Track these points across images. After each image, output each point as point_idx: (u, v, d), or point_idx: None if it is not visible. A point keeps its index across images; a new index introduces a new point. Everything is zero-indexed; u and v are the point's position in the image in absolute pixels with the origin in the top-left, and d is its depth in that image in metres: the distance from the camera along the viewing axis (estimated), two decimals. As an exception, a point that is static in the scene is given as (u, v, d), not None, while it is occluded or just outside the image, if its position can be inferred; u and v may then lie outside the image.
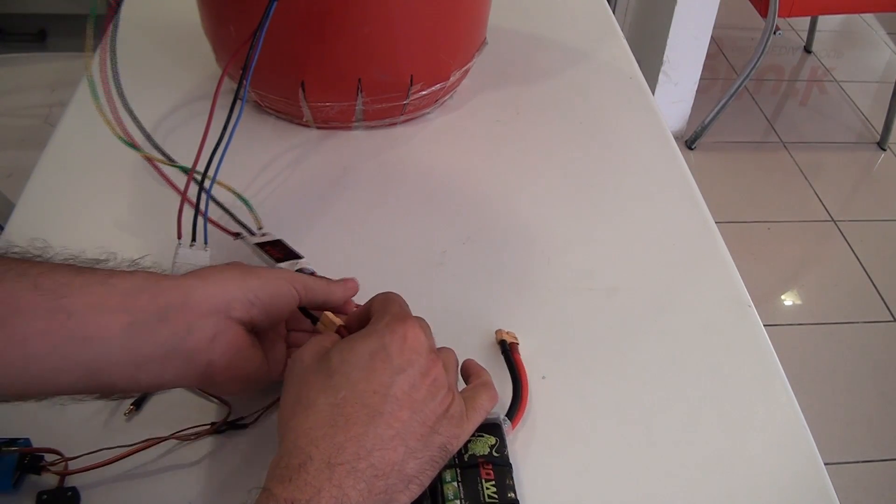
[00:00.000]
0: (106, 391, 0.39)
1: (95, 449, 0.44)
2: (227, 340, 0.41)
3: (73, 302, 0.36)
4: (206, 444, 0.47)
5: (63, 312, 0.36)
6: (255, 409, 0.48)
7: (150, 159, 0.63)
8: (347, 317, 0.48)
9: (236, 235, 0.59)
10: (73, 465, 0.44)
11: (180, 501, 0.44)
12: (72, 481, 0.44)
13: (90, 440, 0.45)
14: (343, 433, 0.38)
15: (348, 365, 0.40)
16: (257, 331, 0.45)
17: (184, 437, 0.46)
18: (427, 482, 0.41)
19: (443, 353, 0.45)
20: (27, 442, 0.45)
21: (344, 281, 0.50)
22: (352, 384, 0.40)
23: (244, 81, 0.52)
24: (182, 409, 0.48)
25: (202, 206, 0.53)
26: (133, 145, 0.60)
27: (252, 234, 0.59)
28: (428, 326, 0.45)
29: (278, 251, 0.56)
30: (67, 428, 0.47)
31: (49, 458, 0.44)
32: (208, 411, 0.49)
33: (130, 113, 0.62)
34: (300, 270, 0.54)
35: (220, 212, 0.61)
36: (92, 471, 0.44)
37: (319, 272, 0.54)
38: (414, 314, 0.45)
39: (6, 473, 0.43)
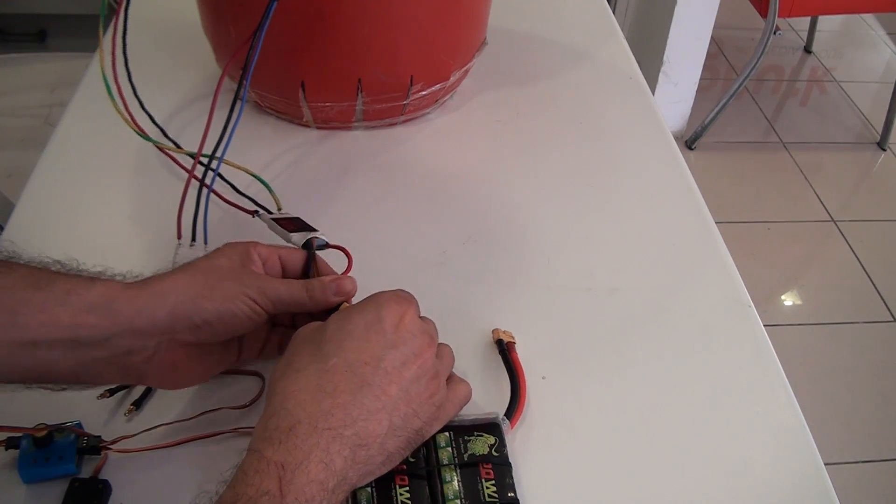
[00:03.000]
0: (49, 384, 0.42)
1: (134, 433, 0.46)
2: (164, 360, 0.42)
3: (29, 321, 0.38)
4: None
5: (18, 328, 0.38)
6: None
7: (163, 149, 0.62)
8: None
9: (254, 213, 0.59)
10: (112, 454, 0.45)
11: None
12: (104, 474, 0.45)
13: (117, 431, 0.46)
14: (330, 399, 0.39)
15: (342, 333, 0.41)
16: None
17: (243, 432, 0.47)
18: (397, 462, 0.42)
19: (440, 347, 0.46)
20: (79, 425, 0.46)
21: (336, 281, 0.48)
22: (343, 352, 0.40)
23: (244, 81, 0.52)
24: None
25: (203, 206, 0.53)
26: (148, 137, 0.60)
27: (270, 213, 0.59)
28: (432, 323, 0.46)
29: (293, 225, 0.55)
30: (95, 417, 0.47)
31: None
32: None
33: (144, 109, 0.62)
34: (308, 242, 0.52)
35: (233, 196, 0.62)
36: (124, 467, 0.45)
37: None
38: None
39: (69, 457, 0.44)
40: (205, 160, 0.56)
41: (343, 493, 0.38)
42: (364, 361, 0.40)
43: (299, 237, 0.53)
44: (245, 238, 0.49)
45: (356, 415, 0.39)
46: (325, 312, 0.47)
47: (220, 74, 0.58)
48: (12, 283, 0.39)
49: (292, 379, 0.40)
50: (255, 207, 0.60)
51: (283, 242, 0.53)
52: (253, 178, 0.63)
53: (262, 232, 0.57)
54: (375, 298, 0.44)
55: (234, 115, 0.52)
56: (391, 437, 0.40)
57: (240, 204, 0.60)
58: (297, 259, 0.49)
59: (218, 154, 0.54)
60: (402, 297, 0.44)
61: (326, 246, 0.52)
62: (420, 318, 0.45)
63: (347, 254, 0.52)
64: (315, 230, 0.55)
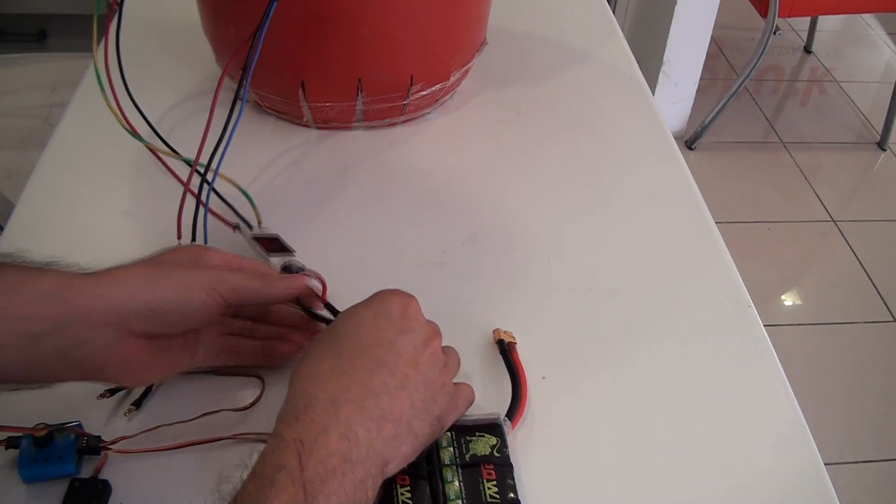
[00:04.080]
0: (2, 386, 0.41)
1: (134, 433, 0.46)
2: (118, 351, 0.42)
3: None
4: (256, 451, 0.47)
5: None
6: None
7: (153, 150, 0.63)
8: None
9: (235, 227, 0.59)
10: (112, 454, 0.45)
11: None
12: (104, 474, 0.44)
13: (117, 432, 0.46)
14: (348, 377, 0.39)
15: (352, 325, 0.42)
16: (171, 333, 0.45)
17: (245, 438, 0.47)
18: (420, 450, 0.42)
19: (447, 348, 0.46)
20: (79, 425, 0.46)
21: (289, 278, 0.49)
22: (356, 339, 0.41)
23: (244, 81, 0.52)
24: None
25: (204, 206, 0.53)
26: (140, 137, 0.60)
27: (251, 227, 0.59)
28: (435, 323, 0.46)
29: (272, 245, 0.57)
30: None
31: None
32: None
33: (137, 107, 0.62)
34: (287, 265, 0.54)
35: (222, 205, 0.62)
36: (125, 467, 0.45)
37: (316, 269, 0.54)
38: None
39: (69, 457, 0.44)
40: (197, 164, 0.55)
41: (374, 465, 0.38)
42: (377, 344, 0.41)
43: (278, 260, 0.55)
44: (239, 243, 0.49)
45: (375, 389, 0.39)
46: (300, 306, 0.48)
47: (220, 74, 0.58)
48: None
49: (310, 367, 0.41)
50: (237, 221, 0.60)
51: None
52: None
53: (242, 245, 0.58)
54: (377, 294, 0.45)
55: (235, 115, 0.52)
56: (416, 418, 0.41)
57: (224, 216, 0.61)
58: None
59: (214, 164, 0.53)
60: (403, 292, 0.45)
61: (302, 270, 0.54)
62: (417, 302, 0.46)
63: (322, 280, 0.53)
64: (292, 251, 0.56)
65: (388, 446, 0.39)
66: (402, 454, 0.40)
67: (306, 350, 0.43)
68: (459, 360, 0.48)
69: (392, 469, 0.40)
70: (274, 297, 0.47)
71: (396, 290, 0.45)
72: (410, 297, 0.45)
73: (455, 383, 0.46)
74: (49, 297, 0.39)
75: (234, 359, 0.49)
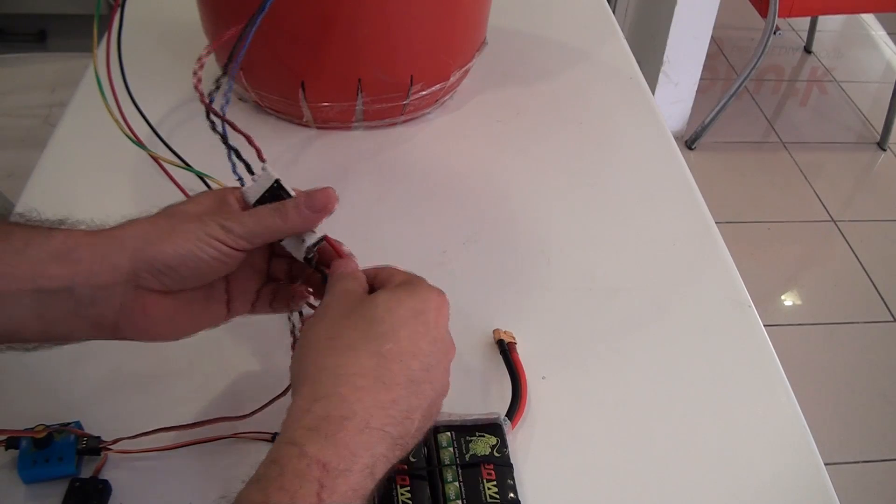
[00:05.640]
0: (18, 345, 0.40)
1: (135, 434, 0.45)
2: (134, 308, 0.40)
3: None
4: (256, 451, 0.47)
5: None
6: None
7: (155, 158, 0.62)
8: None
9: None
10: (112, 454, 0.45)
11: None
12: (104, 474, 0.44)
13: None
14: (386, 392, 0.36)
15: (394, 317, 0.38)
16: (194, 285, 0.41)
17: (245, 437, 0.46)
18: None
19: None
20: (78, 425, 0.45)
21: (309, 195, 0.43)
22: (398, 340, 0.38)
23: (229, 69, 0.49)
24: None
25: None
26: (141, 145, 0.60)
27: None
28: (451, 338, 0.43)
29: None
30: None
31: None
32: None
33: (138, 109, 0.62)
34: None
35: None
36: (125, 467, 0.45)
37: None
38: None
39: (69, 457, 0.44)
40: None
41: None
42: (412, 353, 0.38)
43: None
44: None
45: (404, 412, 0.36)
46: (316, 269, 0.43)
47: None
48: None
49: (344, 358, 0.37)
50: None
51: None
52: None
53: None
54: (418, 285, 0.41)
55: (221, 96, 0.50)
56: (416, 434, 0.38)
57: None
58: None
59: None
60: (440, 291, 0.42)
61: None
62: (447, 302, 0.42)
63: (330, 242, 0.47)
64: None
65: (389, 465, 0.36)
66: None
67: (329, 315, 0.39)
68: None
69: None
70: (294, 228, 0.42)
71: (434, 287, 0.42)
72: (445, 297, 0.41)
73: None
74: (57, 256, 0.38)
75: (276, 306, 0.46)
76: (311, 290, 0.46)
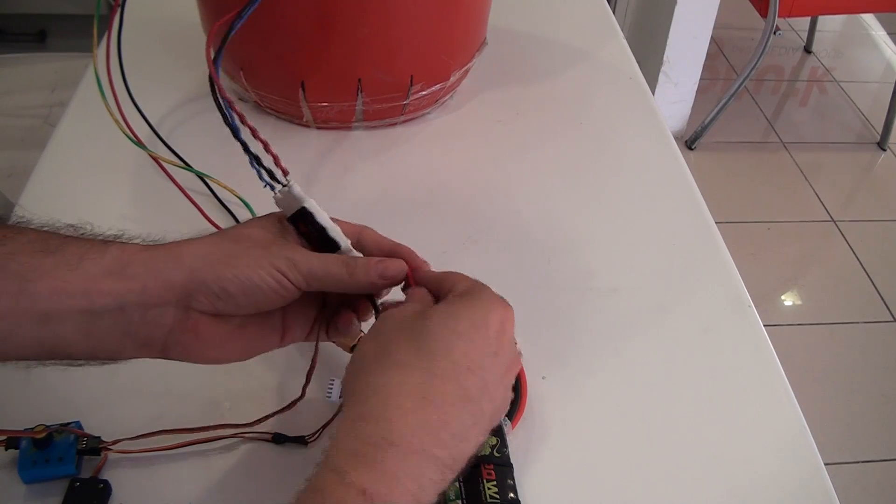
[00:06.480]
0: (64, 361, 0.38)
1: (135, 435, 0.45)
2: (185, 330, 0.38)
3: (39, 287, 0.35)
4: (255, 451, 0.47)
5: (27, 297, 0.35)
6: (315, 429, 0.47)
7: (156, 158, 0.63)
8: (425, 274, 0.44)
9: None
10: (112, 454, 0.45)
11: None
12: (104, 474, 0.44)
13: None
14: (434, 411, 0.34)
15: (448, 330, 0.37)
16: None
17: (245, 437, 0.46)
18: None
19: None
20: (78, 425, 0.45)
21: (382, 263, 0.42)
22: (449, 352, 0.36)
23: (219, 57, 0.48)
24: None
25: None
26: (142, 145, 0.60)
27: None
28: (519, 349, 0.42)
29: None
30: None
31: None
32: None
33: (139, 109, 0.62)
34: None
35: (221, 209, 0.62)
36: (125, 467, 0.45)
37: None
38: None
39: (69, 457, 0.43)
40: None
41: None
42: (468, 368, 0.36)
43: None
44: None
45: (454, 432, 0.34)
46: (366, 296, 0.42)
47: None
48: (19, 248, 0.36)
49: (394, 374, 0.35)
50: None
51: None
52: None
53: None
54: (479, 295, 0.39)
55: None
56: (470, 455, 0.36)
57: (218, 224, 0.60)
58: (346, 232, 0.44)
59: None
60: (505, 301, 0.40)
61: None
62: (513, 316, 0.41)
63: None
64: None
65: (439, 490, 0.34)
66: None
67: (384, 331, 0.38)
68: None
69: None
70: (357, 288, 0.41)
71: (497, 297, 0.39)
72: (510, 308, 0.39)
73: None
74: (110, 273, 0.36)
75: (332, 334, 0.44)
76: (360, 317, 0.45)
